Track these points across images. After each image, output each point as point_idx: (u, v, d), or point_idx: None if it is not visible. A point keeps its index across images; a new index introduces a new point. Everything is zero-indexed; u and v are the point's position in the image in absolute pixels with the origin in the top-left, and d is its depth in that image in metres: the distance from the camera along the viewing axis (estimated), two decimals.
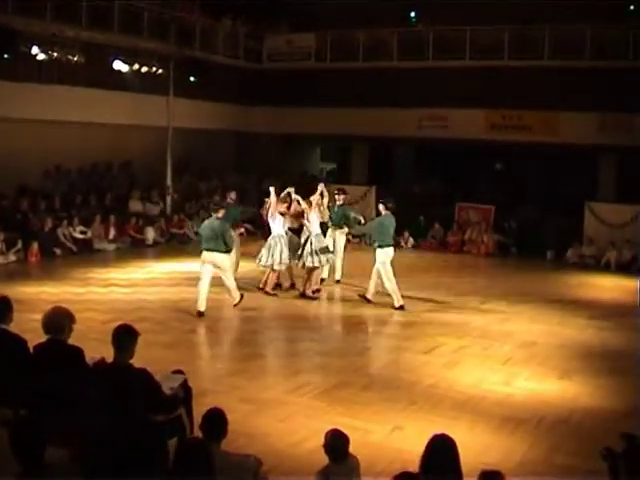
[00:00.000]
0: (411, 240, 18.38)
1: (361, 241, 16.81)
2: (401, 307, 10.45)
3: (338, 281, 11.78)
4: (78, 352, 4.78)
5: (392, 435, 5.92)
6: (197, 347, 8.46)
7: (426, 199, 19.41)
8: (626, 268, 15.19)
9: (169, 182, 18.10)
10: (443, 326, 9.71)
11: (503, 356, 8.37)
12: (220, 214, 9.62)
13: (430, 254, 17.35)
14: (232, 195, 11.48)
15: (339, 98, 19.65)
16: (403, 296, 10.64)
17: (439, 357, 8.21)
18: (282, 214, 10.80)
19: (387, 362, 8.11)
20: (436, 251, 17.64)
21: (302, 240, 10.89)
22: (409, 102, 18.79)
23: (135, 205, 17.44)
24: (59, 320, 4.85)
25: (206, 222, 9.90)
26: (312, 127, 20.34)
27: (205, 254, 9.58)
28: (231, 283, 9.96)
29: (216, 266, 9.57)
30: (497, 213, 17.90)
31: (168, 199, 18.14)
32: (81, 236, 15.03)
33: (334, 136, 21.11)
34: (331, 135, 20.89)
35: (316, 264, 10.84)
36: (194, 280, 12.05)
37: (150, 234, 16.46)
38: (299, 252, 10.76)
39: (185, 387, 5.05)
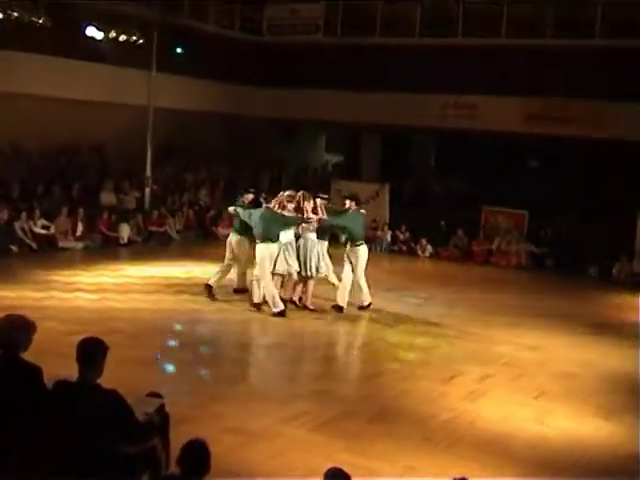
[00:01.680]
0: (429, 248, 18.46)
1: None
2: (340, 309, 10.75)
3: (369, 305, 11.58)
4: (35, 370, 4.73)
5: (402, 477, 5.89)
6: (177, 366, 8.43)
7: (448, 201, 19.49)
8: None
9: (148, 172, 18.14)
10: (465, 351, 9.72)
11: (535, 389, 8.34)
12: (271, 204, 10.56)
13: (451, 265, 17.39)
14: (249, 196, 11.49)
15: (350, 79, 19.77)
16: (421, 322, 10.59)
17: (460, 387, 8.20)
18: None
19: (399, 391, 8.07)
20: (458, 262, 17.73)
21: (306, 248, 10.96)
22: (432, 86, 18.88)
23: (108, 197, 17.48)
24: (14, 331, 4.80)
25: (256, 212, 10.59)
26: (317, 112, 20.46)
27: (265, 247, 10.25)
28: (269, 290, 10.39)
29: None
30: (531, 219, 18.01)
31: (147, 191, 18.19)
32: (43, 231, 15.05)
33: (342, 123, 21.21)
34: (338, 122, 21.01)
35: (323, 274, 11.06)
36: (174, 287, 12.25)
37: (125, 232, 16.51)
38: (309, 261, 10.91)
39: (162, 413, 5.03)
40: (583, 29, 17.73)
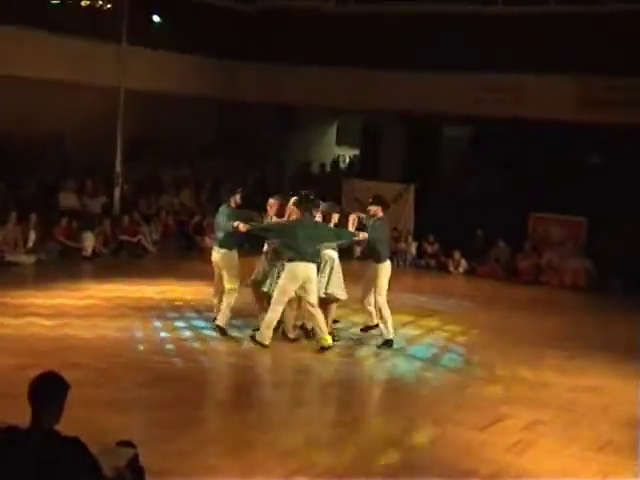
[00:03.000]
0: (464, 263, 18.52)
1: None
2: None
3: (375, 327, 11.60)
4: None
5: None
6: (153, 408, 8.42)
7: (486, 205, 19.44)
8: None
9: (118, 168, 18.23)
10: (509, 390, 9.70)
11: (597, 439, 8.30)
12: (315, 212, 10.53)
13: (491, 284, 17.45)
14: (237, 197, 11.47)
15: (364, 55, 19.88)
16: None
17: (503, 435, 8.16)
18: None
19: (428, 439, 8.06)
20: (500, 280, 17.77)
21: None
22: (463, 64, 18.94)
23: (68, 199, 17.56)
24: None
25: (297, 226, 10.43)
26: (325, 96, 20.59)
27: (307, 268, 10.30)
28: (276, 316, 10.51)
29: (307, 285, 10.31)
30: (590, 228, 18.05)
31: (116, 192, 18.28)
32: None
33: (356, 110, 21.23)
34: (352, 108, 21.04)
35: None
36: (149, 311, 12.27)
37: (89, 242, 16.60)
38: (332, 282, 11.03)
39: (135, 466, 5.03)
40: None
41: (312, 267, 10.39)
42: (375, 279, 10.98)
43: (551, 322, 13.90)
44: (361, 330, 11.58)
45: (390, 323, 11.04)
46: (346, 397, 9.46)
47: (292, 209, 10.82)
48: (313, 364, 10.30)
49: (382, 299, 10.94)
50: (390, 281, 11.31)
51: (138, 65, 17.91)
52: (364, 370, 10.49)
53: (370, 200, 11.45)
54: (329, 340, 10.55)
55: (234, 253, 10.91)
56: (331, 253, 10.93)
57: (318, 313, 10.52)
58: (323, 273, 10.87)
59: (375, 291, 11.02)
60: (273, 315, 10.47)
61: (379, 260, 10.98)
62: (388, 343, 11.04)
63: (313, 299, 10.43)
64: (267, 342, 10.49)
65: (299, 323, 11.31)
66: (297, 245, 10.31)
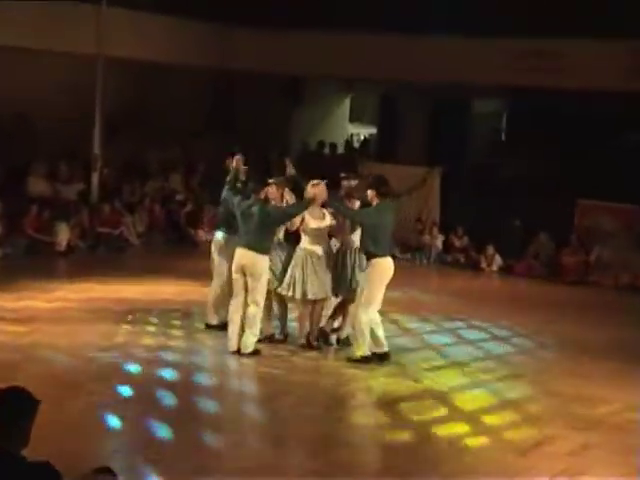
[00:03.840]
0: (498, 259, 18.54)
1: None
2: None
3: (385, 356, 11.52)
4: None
5: None
6: (135, 427, 8.35)
7: (523, 191, 19.38)
8: None
9: (97, 149, 18.20)
10: (554, 408, 9.60)
11: None
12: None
13: (530, 284, 17.47)
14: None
15: (381, 18, 19.80)
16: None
17: (548, 460, 8.07)
18: None
19: (460, 464, 7.98)
20: (541, 279, 17.71)
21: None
22: (497, 28, 18.79)
23: (38, 186, 17.57)
24: None
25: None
26: (335, 65, 20.61)
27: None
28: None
29: None
30: None
31: (95, 177, 18.24)
32: None
33: (372, 80, 21.19)
34: (367, 78, 21.00)
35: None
36: (132, 314, 12.17)
37: (63, 234, 16.59)
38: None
39: None
40: None
41: None
42: (365, 281, 10.70)
43: (602, 329, 13.75)
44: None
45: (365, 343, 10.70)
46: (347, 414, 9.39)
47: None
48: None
49: (366, 316, 10.50)
50: (411, 280, 11.26)
51: (119, 30, 17.86)
52: (388, 382, 10.41)
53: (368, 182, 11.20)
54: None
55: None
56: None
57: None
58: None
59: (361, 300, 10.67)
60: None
61: (370, 255, 10.63)
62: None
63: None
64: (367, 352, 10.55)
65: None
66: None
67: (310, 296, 10.80)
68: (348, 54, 20.15)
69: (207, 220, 18.30)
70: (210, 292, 11.61)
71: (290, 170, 11.39)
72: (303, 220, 10.81)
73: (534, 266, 18.28)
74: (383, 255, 10.52)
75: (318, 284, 10.79)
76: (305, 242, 10.86)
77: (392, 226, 10.94)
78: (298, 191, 11.25)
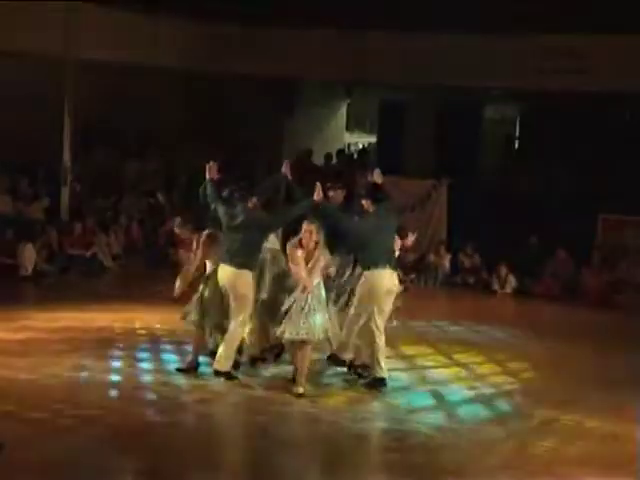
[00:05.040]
0: (512, 280, 18.71)
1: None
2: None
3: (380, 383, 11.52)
4: None
5: None
6: (116, 474, 8.24)
7: (541, 205, 19.33)
8: None
9: (67, 160, 18.14)
10: (579, 447, 9.46)
11: None
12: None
13: (548, 307, 17.37)
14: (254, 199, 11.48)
15: (382, 14, 19.78)
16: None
17: None
18: None
19: None
20: (560, 302, 17.63)
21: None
22: (515, 24, 18.79)
23: (0, 202, 17.42)
24: None
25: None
26: (332, 67, 20.58)
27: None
28: None
29: None
30: None
31: (65, 192, 18.16)
32: None
33: (371, 82, 21.16)
34: (367, 80, 20.96)
35: None
36: (106, 345, 12.18)
37: (28, 257, 16.50)
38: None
39: None
40: None
41: None
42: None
43: (628, 357, 13.67)
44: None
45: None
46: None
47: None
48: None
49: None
50: (414, 305, 11.20)
51: (92, 28, 17.84)
52: (389, 418, 10.32)
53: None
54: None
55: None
56: None
57: None
58: None
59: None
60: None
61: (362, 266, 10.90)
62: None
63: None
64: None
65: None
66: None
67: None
68: (345, 55, 20.24)
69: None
70: None
71: (284, 169, 11.59)
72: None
73: (552, 286, 18.29)
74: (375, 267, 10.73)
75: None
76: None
77: (392, 233, 11.02)
78: (290, 199, 11.37)
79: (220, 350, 10.67)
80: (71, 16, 17.60)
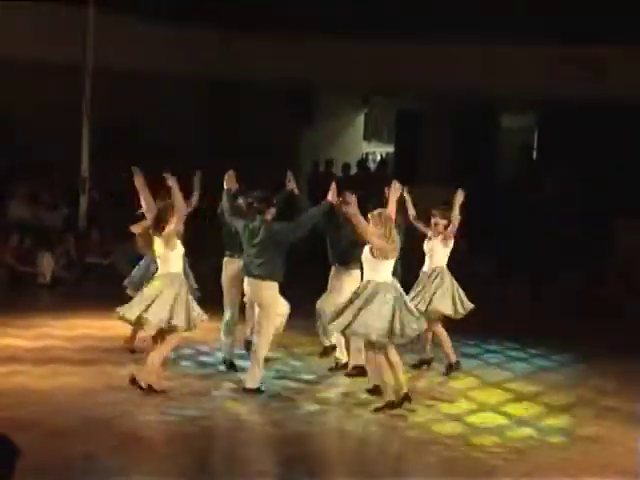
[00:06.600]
0: (527, 288, 18.36)
1: None
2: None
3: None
4: None
5: None
6: None
7: (558, 213, 19.28)
8: None
9: (85, 171, 18.16)
10: (587, 455, 9.37)
11: None
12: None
13: (565, 318, 17.12)
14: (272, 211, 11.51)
15: (400, 22, 19.80)
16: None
17: None
18: None
19: None
20: (576, 312, 17.47)
21: None
22: (531, 31, 18.77)
23: (19, 210, 17.56)
24: None
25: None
26: (349, 76, 20.74)
27: None
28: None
29: None
30: None
31: (83, 201, 18.20)
32: None
33: (389, 91, 21.10)
34: (383, 88, 20.93)
35: None
36: (124, 354, 12.11)
37: (47, 265, 16.55)
38: None
39: None
40: None
41: None
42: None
43: None
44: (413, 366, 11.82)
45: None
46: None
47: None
48: None
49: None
50: None
51: (109, 37, 17.92)
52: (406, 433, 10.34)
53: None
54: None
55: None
56: None
57: None
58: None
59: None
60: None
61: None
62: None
63: None
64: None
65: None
66: None
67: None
68: (363, 64, 20.27)
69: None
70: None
71: (290, 185, 11.73)
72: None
73: (569, 297, 18.20)
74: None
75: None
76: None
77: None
78: (297, 210, 11.48)
79: (249, 368, 10.69)
80: (89, 24, 17.62)
